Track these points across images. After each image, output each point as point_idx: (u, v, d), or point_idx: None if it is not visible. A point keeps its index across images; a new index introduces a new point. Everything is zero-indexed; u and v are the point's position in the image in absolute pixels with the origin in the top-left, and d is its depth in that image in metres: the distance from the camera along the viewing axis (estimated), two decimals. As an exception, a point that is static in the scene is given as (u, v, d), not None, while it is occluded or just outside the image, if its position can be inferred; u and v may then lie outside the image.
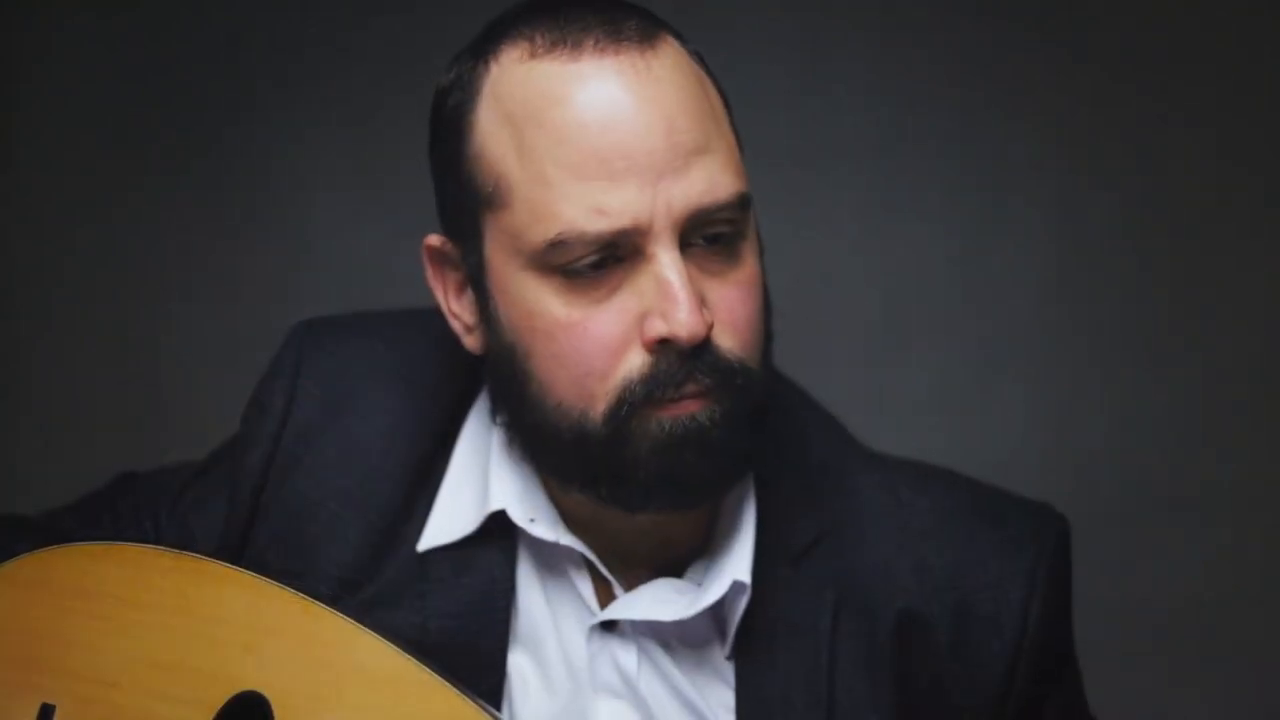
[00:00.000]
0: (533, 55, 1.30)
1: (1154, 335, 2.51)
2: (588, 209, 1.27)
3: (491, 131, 1.32)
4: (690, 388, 1.29)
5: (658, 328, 1.28)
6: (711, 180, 1.29)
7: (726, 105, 1.36)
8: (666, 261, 1.28)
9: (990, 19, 2.51)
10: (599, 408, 1.30)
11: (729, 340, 1.31)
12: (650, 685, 1.38)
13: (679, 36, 1.35)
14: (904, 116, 2.54)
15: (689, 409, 1.30)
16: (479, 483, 1.41)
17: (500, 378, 1.37)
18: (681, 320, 1.27)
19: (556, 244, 1.28)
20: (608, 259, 1.29)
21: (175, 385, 2.57)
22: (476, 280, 1.36)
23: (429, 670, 1.28)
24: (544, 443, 1.35)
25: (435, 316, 1.42)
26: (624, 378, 1.30)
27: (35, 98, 2.57)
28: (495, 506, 1.39)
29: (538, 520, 1.38)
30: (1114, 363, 2.52)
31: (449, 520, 1.41)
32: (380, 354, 1.47)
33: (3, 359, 2.60)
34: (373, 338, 1.48)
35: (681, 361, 1.29)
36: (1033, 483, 1.54)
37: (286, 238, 2.59)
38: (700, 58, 1.36)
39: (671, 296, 1.27)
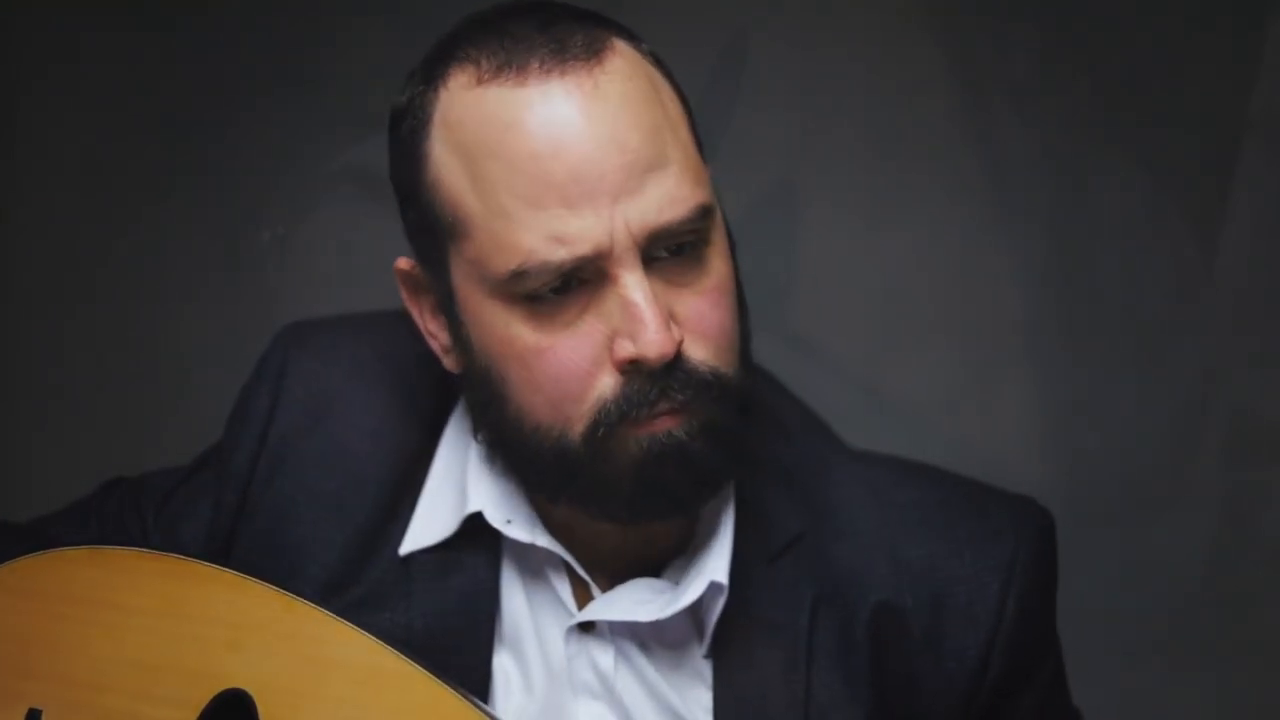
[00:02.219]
0: (479, 81, 1.29)
1: (1154, 335, 2.51)
2: (546, 238, 1.26)
3: (445, 162, 1.31)
4: (664, 405, 1.30)
5: (626, 349, 1.28)
6: (669, 196, 1.28)
7: (685, 105, 1.34)
8: (630, 282, 1.27)
9: (990, 19, 2.50)
10: (576, 429, 1.31)
11: (701, 351, 1.30)
12: (627, 685, 1.38)
13: (630, 37, 1.33)
14: (904, 116, 2.54)
15: (665, 425, 1.30)
16: (458, 485, 1.41)
17: (478, 399, 1.37)
18: (649, 340, 1.27)
19: (519, 274, 1.28)
20: (571, 282, 1.28)
21: (175, 385, 2.57)
22: (447, 306, 1.36)
23: (411, 662, 1.29)
24: (528, 462, 1.35)
25: (422, 319, 1.43)
26: (598, 399, 1.30)
27: (35, 98, 2.57)
28: (473, 509, 1.39)
29: (514, 522, 1.38)
30: (1114, 363, 2.52)
31: (430, 523, 1.41)
32: (365, 356, 1.47)
33: (3, 359, 2.60)
34: (358, 340, 1.48)
35: (653, 381, 1.29)
36: (1033, 483, 1.53)
37: (286, 237, 2.59)
38: (656, 58, 1.34)
39: (638, 317, 1.27)
